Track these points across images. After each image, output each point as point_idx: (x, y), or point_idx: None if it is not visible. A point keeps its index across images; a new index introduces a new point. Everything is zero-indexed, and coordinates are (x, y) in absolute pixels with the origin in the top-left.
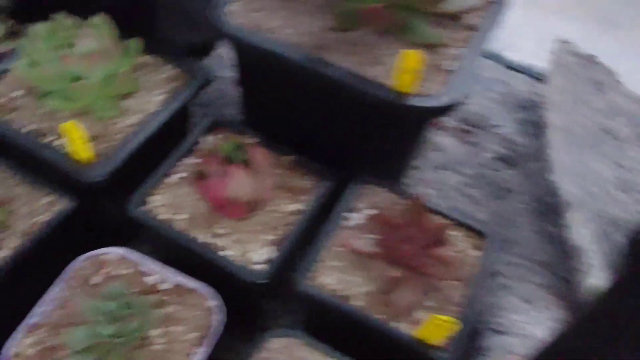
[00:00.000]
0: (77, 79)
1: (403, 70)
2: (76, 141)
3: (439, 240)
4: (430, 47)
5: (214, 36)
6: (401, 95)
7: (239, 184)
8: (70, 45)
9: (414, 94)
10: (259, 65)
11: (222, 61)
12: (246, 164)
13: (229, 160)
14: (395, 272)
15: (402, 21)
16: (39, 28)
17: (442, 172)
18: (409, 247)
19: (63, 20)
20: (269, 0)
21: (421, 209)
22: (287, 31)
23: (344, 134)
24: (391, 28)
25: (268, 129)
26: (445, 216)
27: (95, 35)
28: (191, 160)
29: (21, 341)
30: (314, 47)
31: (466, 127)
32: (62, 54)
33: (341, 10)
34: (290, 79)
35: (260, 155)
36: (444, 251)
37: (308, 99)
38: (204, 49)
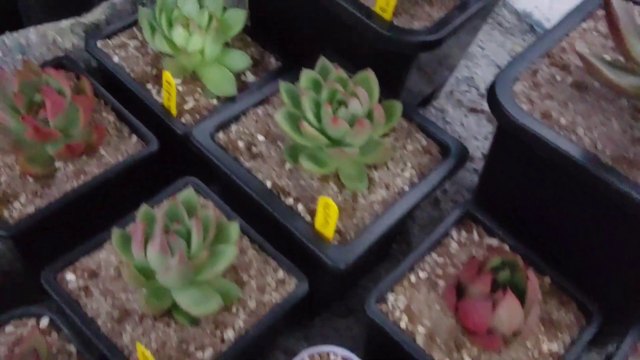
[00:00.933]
0: (337, 143)
1: None
2: (327, 218)
3: None
4: None
5: (439, 88)
6: None
7: (508, 315)
8: (340, 103)
9: None
10: (531, 160)
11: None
12: (517, 288)
13: (495, 277)
14: None
15: None
16: (305, 76)
17: None
18: None
19: (331, 71)
20: (561, 86)
21: None
22: (581, 131)
23: (623, 264)
24: None
25: (517, 233)
26: None
27: (363, 95)
28: (438, 259)
29: None
30: (613, 158)
31: None
32: (328, 113)
33: None
34: (572, 186)
35: (532, 282)
36: None
37: (590, 214)
38: (426, 100)
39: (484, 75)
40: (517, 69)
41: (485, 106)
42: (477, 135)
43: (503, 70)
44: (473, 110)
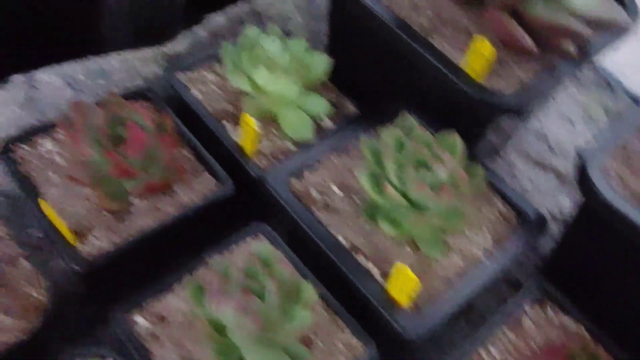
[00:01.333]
0: (418, 207)
1: None
2: (402, 286)
3: None
4: None
5: (508, 139)
6: None
7: None
8: (424, 166)
9: None
10: (619, 242)
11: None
12: None
13: None
14: None
15: None
16: (386, 134)
17: None
18: None
19: (414, 129)
20: None
21: None
22: None
23: None
24: None
25: (593, 314)
26: None
27: (449, 160)
28: (509, 334)
29: None
30: None
31: None
32: (413, 177)
33: None
34: None
35: None
36: None
37: None
38: (494, 150)
39: (555, 129)
40: (608, 142)
41: (554, 161)
42: (544, 192)
43: (594, 142)
44: (541, 165)
